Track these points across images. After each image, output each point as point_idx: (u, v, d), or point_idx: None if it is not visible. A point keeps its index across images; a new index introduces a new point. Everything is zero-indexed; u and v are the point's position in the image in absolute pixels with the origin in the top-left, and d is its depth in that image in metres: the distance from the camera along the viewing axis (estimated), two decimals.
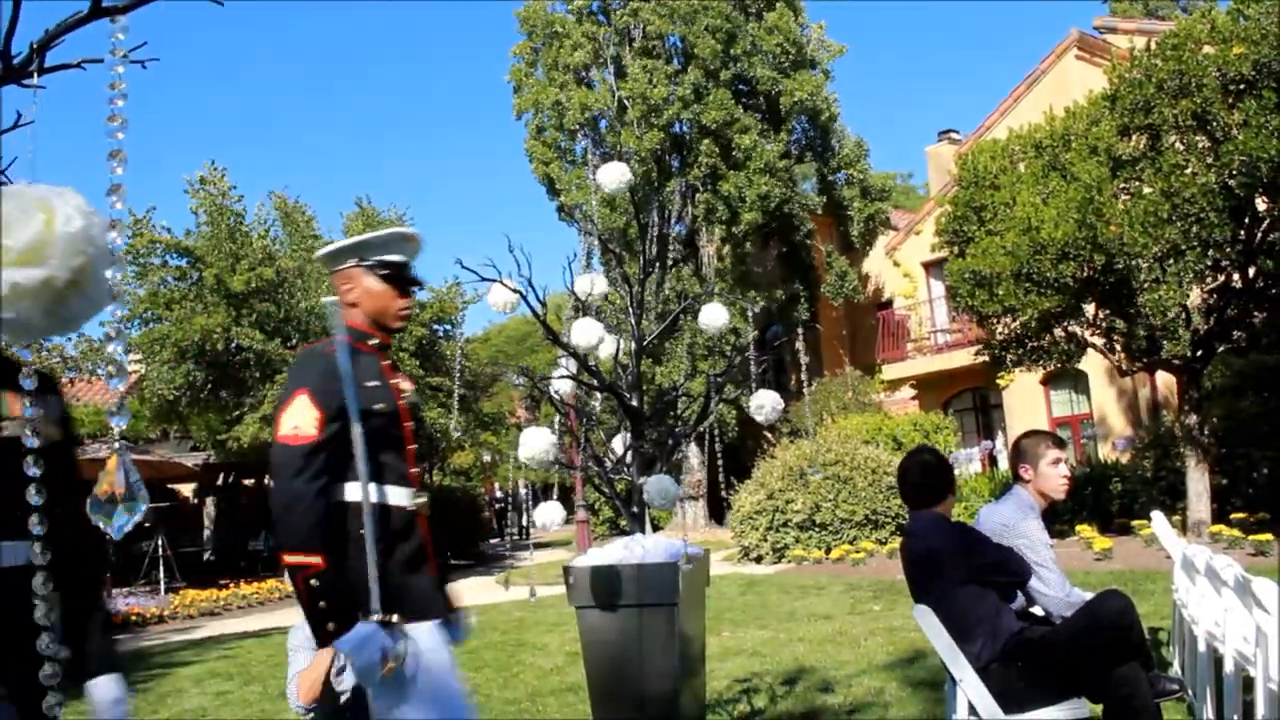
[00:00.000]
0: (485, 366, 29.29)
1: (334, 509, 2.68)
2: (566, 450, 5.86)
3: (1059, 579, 4.04)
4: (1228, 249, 12.19)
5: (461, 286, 22.25)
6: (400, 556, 2.78)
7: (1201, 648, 4.40)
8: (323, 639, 2.61)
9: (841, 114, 26.60)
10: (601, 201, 20.65)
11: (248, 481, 26.32)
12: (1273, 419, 14.33)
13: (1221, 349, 13.92)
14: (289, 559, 2.60)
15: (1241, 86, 11.66)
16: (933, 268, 24.83)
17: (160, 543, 19.55)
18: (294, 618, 3.22)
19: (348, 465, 2.71)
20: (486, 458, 32.76)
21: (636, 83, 24.07)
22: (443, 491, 24.38)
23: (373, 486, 2.73)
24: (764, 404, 4.99)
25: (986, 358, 15.16)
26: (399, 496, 2.82)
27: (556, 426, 4.91)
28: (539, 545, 22.42)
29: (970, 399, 24.64)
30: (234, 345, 19.55)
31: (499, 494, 36.55)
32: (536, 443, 4.37)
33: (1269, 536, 11.60)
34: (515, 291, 4.64)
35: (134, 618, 15.71)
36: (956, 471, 16.16)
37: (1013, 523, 4.16)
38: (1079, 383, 21.20)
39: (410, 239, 3.04)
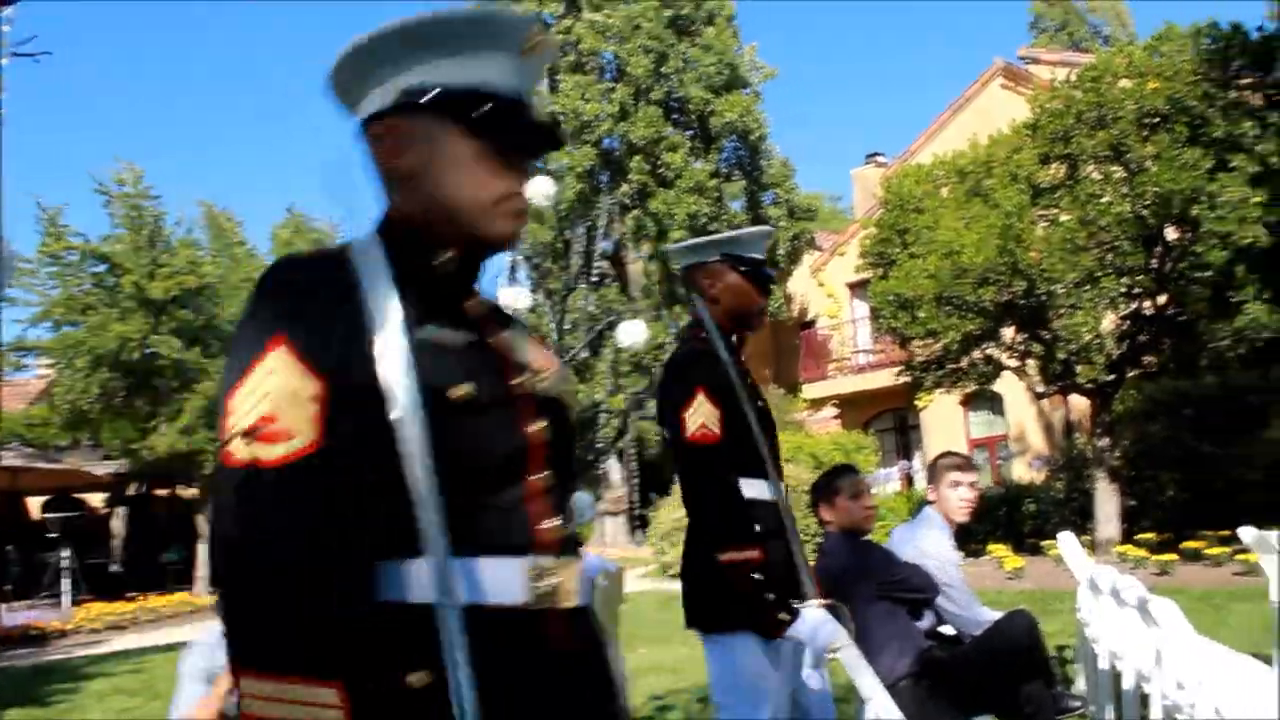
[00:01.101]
0: None
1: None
2: None
3: (967, 598, 4.10)
4: (1140, 277, 12.53)
5: None
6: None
7: (1104, 665, 4.48)
8: (772, 629, 2.57)
9: (771, 135, 26.89)
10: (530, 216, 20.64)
11: (161, 492, 25.72)
12: (1180, 443, 14.71)
13: (1133, 374, 14.29)
14: (728, 556, 2.53)
15: (1156, 120, 12.01)
16: (856, 289, 25.12)
17: (66, 554, 19.01)
18: (200, 634, 3.13)
19: (738, 461, 2.66)
20: None
21: (569, 98, 24.10)
22: None
23: (759, 481, 2.71)
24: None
25: (907, 378, 15.38)
26: (766, 489, 2.76)
27: None
28: None
29: (891, 419, 24.94)
30: (151, 353, 19.13)
31: None
32: None
33: (1174, 557, 11.89)
34: None
35: (34, 632, 15.25)
36: (875, 491, 16.34)
37: (923, 542, 4.22)
38: (996, 405, 21.56)
39: (769, 237, 3.05)
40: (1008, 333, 13.96)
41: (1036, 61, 22.19)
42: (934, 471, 4.40)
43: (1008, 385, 17.37)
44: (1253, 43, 12.42)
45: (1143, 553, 12.37)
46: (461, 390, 1.27)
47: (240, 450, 1.16)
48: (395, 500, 1.18)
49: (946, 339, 13.43)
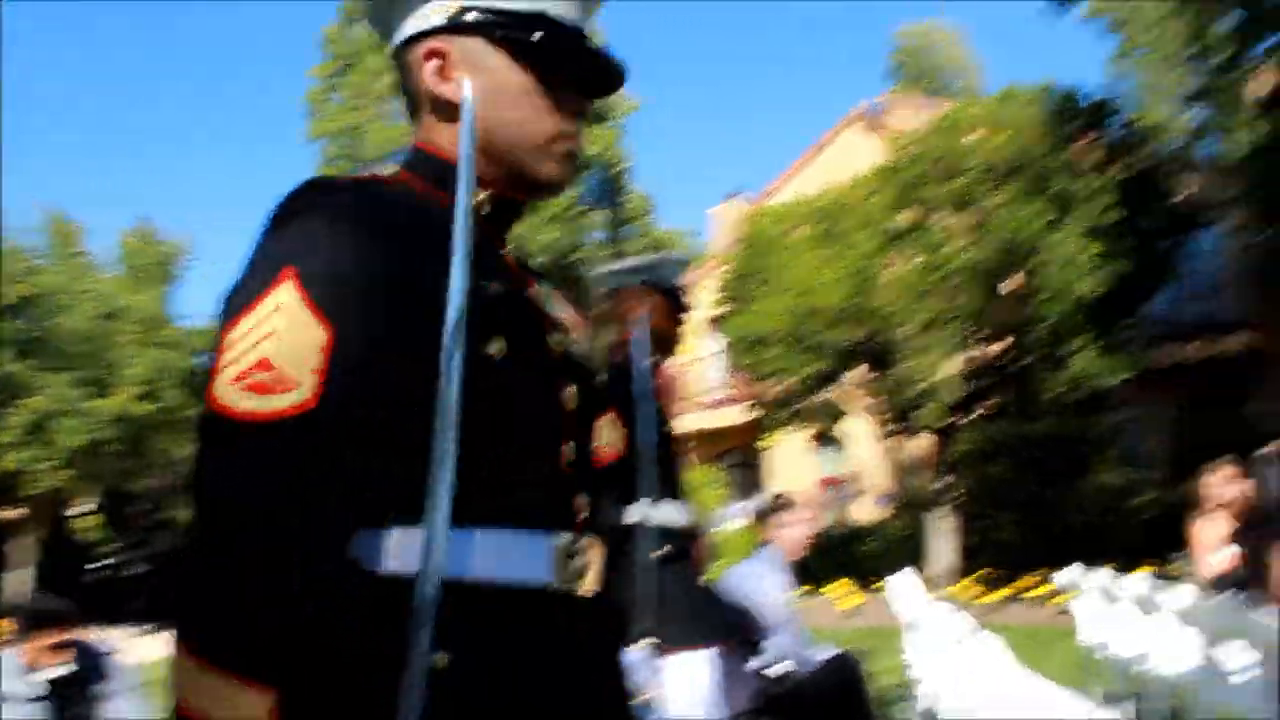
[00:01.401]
0: None
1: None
2: None
3: (800, 638, 4.14)
4: (983, 322, 13.01)
5: None
6: None
7: (925, 704, 4.58)
8: None
9: (633, 168, 27.10)
10: None
11: None
12: (1016, 484, 15.27)
13: (974, 416, 14.78)
14: None
15: (1001, 173, 12.51)
16: (711, 325, 25.44)
17: None
18: None
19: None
20: None
21: None
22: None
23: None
24: None
25: (757, 415, 15.58)
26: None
27: None
28: None
29: (740, 455, 25.26)
30: None
31: None
32: None
33: (1005, 593, 12.30)
34: None
35: None
36: (723, 527, 16.51)
37: (759, 581, 4.24)
38: (842, 443, 22.03)
39: (685, 264, 3.14)
40: (856, 373, 14.29)
41: (894, 109, 22.88)
42: (769, 510, 4.44)
43: (854, 425, 17.77)
44: (1090, 105, 13.09)
45: (978, 590, 12.76)
46: (497, 345, 1.16)
47: (230, 396, 1.00)
48: (399, 463, 1.05)
49: (796, 377, 13.68)
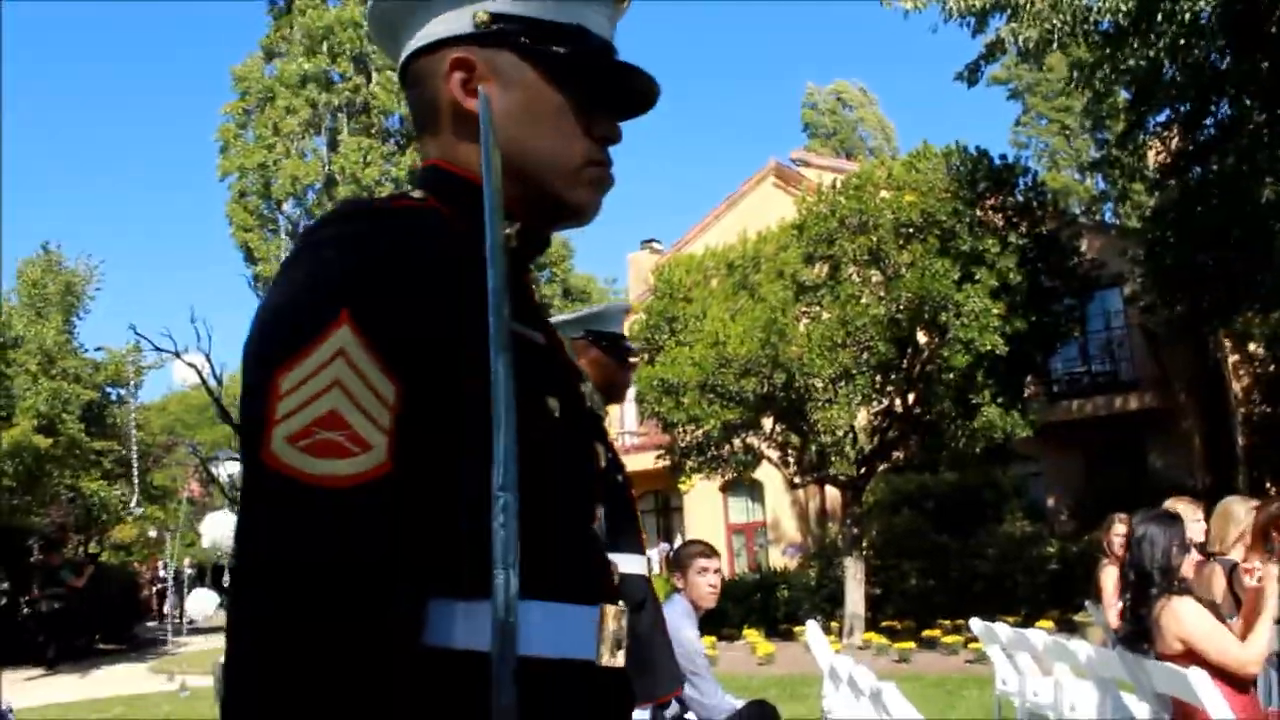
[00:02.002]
0: (159, 436, 27.49)
1: None
2: None
3: (711, 686, 4.15)
4: (893, 375, 13.28)
5: (142, 351, 20.84)
6: None
7: None
8: None
9: None
10: None
11: None
12: (922, 534, 15.55)
13: (882, 467, 15.04)
14: None
15: (911, 231, 12.84)
16: None
17: None
18: None
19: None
20: (152, 533, 30.64)
21: (348, 160, 23.76)
22: (99, 568, 22.45)
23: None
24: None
25: (669, 462, 15.62)
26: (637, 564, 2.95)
27: (230, 508, 4.68)
28: (197, 630, 21.01)
29: (653, 501, 25.29)
30: None
31: (162, 573, 34.17)
32: (223, 527, 4.15)
33: (912, 644, 12.47)
34: (191, 366, 4.41)
35: None
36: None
37: (673, 629, 4.26)
38: (755, 492, 22.17)
39: (627, 312, 2.97)
40: (767, 423, 14.44)
41: (808, 165, 23.32)
42: (680, 559, 4.46)
43: (766, 474, 17.91)
44: (996, 168, 13.53)
45: (885, 640, 12.92)
46: (554, 402, 1.06)
47: (292, 456, 0.88)
48: (455, 533, 0.94)
49: (708, 426, 13.76)
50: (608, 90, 1.14)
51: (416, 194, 1.09)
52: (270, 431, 0.89)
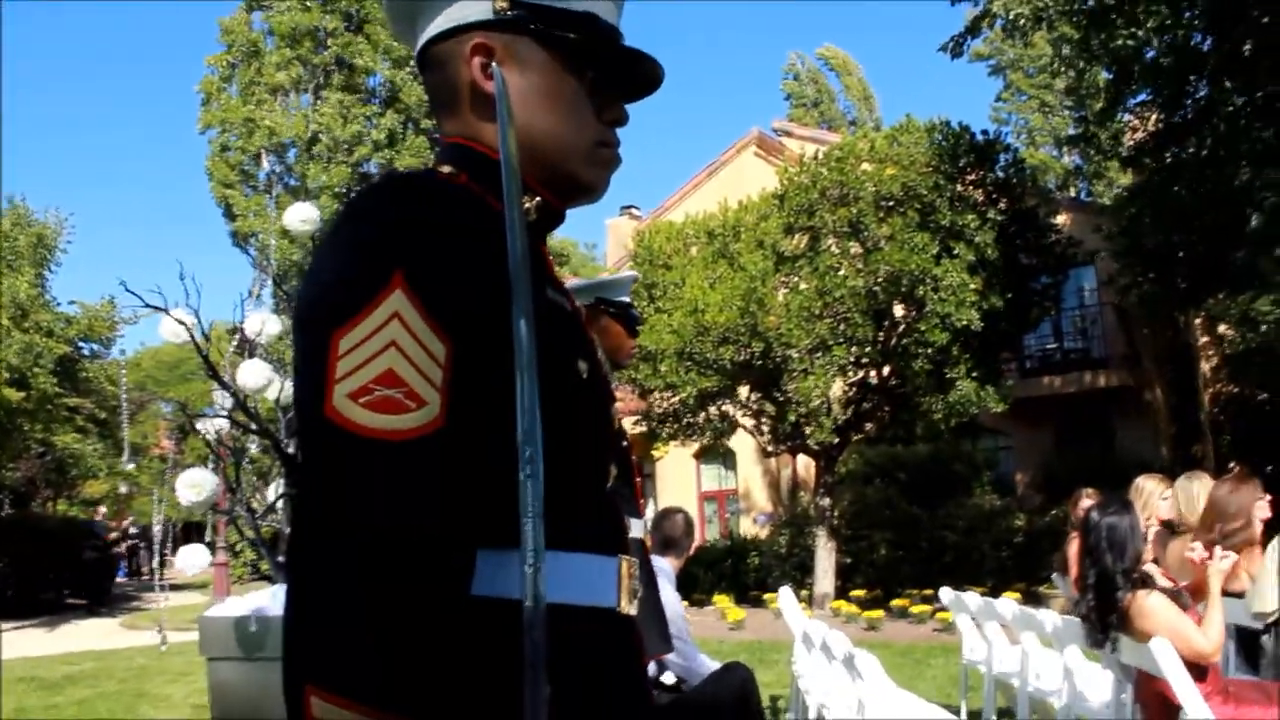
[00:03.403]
0: (132, 392, 27.34)
1: None
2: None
3: (691, 649, 4.24)
4: (869, 348, 13.38)
5: (117, 305, 20.65)
6: None
7: (813, 715, 4.74)
8: None
9: None
10: (280, 234, 19.93)
11: None
12: (893, 505, 15.73)
13: (856, 438, 15.18)
14: None
15: (891, 204, 12.90)
16: None
17: None
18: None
19: None
20: (123, 489, 30.56)
21: (325, 115, 23.54)
22: (68, 523, 22.41)
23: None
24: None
25: (644, 428, 15.70)
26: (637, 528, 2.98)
27: (210, 465, 4.70)
28: (175, 587, 21.05)
29: None
30: None
31: (133, 529, 34.14)
32: (200, 486, 4.17)
33: (881, 614, 12.64)
34: (182, 324, 4.42)
35: None
36: None
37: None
38: (728, 459, 22.31)
39: (635, 281, 3.01)
40: (743, 391, 14.52)
41: (789, 135, 23.30)
42: (657, 525, 4.55)
43: (740, 442, 18.03)
44: (977, 143, 13.59)
45: (854, 609, 13.09)
46: (584, 364, 1.14)
47: (353, 411, 0.94)
48: (493, 487, 0.99)
49: (685, 393, 13.83)
50: (616, 74, 1.22)
51: (446, 169, 1.16)
52: (332, 389, 0.95)
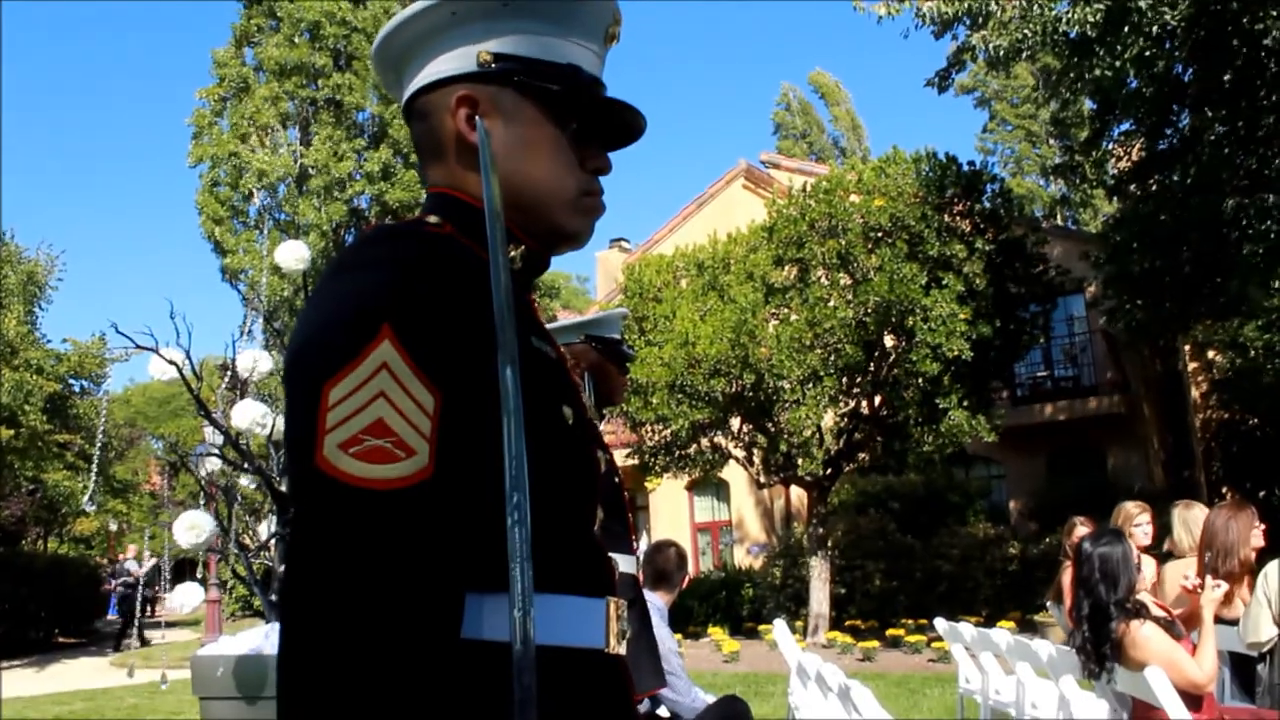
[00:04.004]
0: (122, 429, 27.26)
1: None
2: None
3: (685, 684, 4.24)
4: (860, 378, 13.42)
5: (108, 344, 20.65)
6: None
7: None
8: None
9: None
10: (271, 269, 19.91)
11: None
12: (886, 534, 15.72)
13: (848, 469, 15.18)
14: None
15: (880, 235, 12.97)
16: None
17: None
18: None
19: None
20: (113, 526, 30.40)
21: (320, 154, 23.61)
22: (58, 561, 22.25)
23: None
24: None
25: (637, 461, 15.68)
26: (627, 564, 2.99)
27: (201, 504, 4.70)
28: (168, 624, 20.96)
29: None
30: None
31: (130, 567, 33.91)
32: (199, 527, 4.18)
33: (876, 643, 12.61)
34: (172, 364, 4.43)
35: None
36: None
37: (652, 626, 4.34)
38: (721, 491, 22.27)
39: (625, 318, 3.04)
40: (735, 423, 14.53)
41: (778, 167, 23.39)
42: (651, 558, 4.55)
43: (733, 473, 18.02)
44: (964, 174, 13.70)
45: (850, 639, 13.06)
46: (569, 411, 1.17)
47: (343, 461, 0.95)
48: (479, 531, 1.02)
49: (676, 426, 13.83)
50: (599, 124, 1.25)
51: (433, 219, 1.17)
52: (322, 439, 0.96)
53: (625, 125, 1.28)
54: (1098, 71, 10.76)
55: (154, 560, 22.68)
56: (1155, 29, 9.92)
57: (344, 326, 0.99)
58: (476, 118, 1.16)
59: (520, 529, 0.97)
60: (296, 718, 0.92)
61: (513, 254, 1.18)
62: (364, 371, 0.97)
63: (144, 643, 19.74)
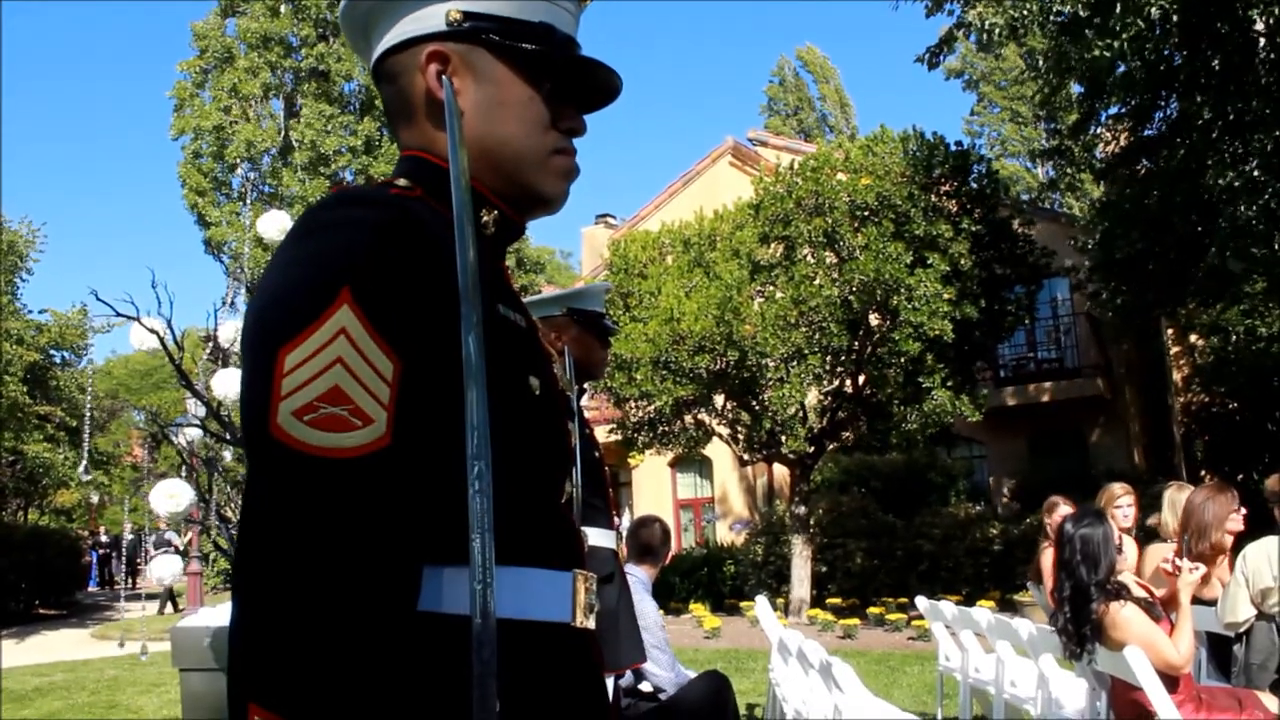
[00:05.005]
0: (104, 400, 27.13)
1: None
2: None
3: (669, 659, 4.25)
4: (844, 357, 13.43)
5: (89, 314, 20.52)
6: None
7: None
8: None
9: None
10: (254, 241, 19.79)
11: None
12: (868, 513, 15.78)
13: (831, 447, 15.22)
14: None
15: (866, 214, 12.95)
16: None
17: None
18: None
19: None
20: (94, 498, 30.30)
21: (310, 128, 23.44)
22: (38, 533, 22.18)
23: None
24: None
25: (620, 437, 15.68)
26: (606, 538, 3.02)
27: (183, 475, 4.67)
28: (148, 596, 20.91)
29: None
30: None
31: (104, 538, 33.85)
32: (178, 496, 4.15)
33: (857, 621, 12.69)
34: (153, 333, 4.39)
35: None
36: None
37: (637, 602, 4.34)
38: (704, 468, 22.32)
39: (608, 292, 3.04)
40: (719, 400, 14.54)
41: (765, 144, 23.34)
42: (634, 533, 4.56)
43: (716, 450, 18.05)
44: (951, 154, 13.69)
45: (830, 617, 13.12)
46: (536, 381, 1.14)
47: (298, 429, 0.92)
48: (440, 502, 0.99)
49: (660, 402, 13.82)
50: (573, 84, 1.22)
51: (403, 182, 1.14)
52: (276, 406, 0.93)
53: (601, 85, 1.24)
54: (1096, 52, 10.72)
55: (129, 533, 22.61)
56: (1151, 10, 9.89)
57: (302, 290, 0.96)
58: (444, 76, 1.13)
59: (482, 499, 0.94)
60: (247, 689, 0.89)
61: (485, 219, 1.17)
62: (321, 337, 0.94)
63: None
